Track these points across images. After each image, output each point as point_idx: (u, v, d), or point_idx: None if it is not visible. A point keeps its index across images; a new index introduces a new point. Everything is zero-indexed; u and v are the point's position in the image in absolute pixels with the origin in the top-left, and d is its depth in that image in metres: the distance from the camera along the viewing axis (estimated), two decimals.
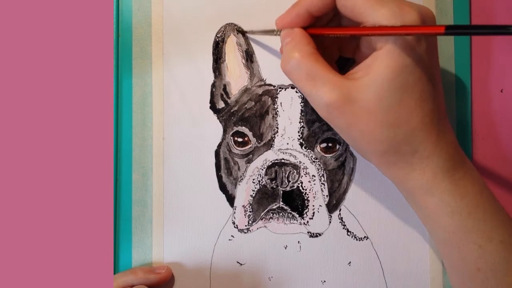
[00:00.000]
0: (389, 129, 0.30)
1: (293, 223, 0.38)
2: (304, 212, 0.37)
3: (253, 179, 0.38)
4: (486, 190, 0.32)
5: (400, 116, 0.30)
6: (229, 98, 0.39)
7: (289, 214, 0.37)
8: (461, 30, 0.29)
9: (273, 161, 0.37)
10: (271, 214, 0.38)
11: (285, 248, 0.38)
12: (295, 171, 0.37)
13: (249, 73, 0.39)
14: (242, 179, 0.38)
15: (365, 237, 0.38)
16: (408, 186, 0.32)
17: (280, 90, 0.38)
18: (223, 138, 0.38)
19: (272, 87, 0.38)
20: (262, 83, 0.38)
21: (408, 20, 0.29)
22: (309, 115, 0.38)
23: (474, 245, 0.31)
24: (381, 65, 0.29)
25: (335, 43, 0.35)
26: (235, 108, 0.38)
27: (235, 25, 0.38)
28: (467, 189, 0.31)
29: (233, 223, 0.38)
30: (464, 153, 0.33)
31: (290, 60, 0.31)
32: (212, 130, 0.38)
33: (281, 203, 0.37)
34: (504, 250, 0.31)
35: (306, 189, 0.37)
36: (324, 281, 0.38)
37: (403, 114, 0.30)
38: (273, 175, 0.37)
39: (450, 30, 0.27)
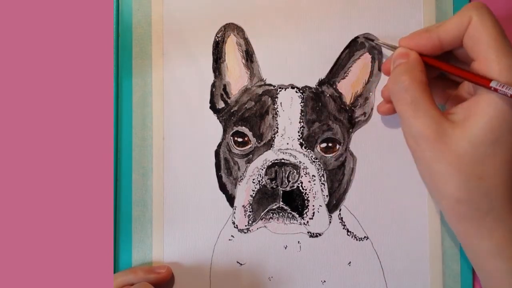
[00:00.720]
0: (471, 179, 0.29)
1: (293, 223, 0.38)
2: (304, 212, 0.37)
3: (253, 179, 0.38)
4: None
5: (486, 170, 0.29)
6: (229, 98, 0.39)
7: (289, 214, 0.37)
8: None
9: (273, 161, 0.37)
10: (271, 214, 0.38)
11: (285, 248, 0.38)
12: (295, 171, 0.37)
13: (249, 73, 0.39)
14: (242, 179, 0.38)
15: (365, 237, 0.38)
16: (474, 245, 0.31)
17: (280, 90, 0.38)
18: (223, 138, 0.38)
19: (272, 87, 0.38)
20: (262, 83, 0.38)
21: None
22: (309, 115, 0.38)
23: None
24: (482, 113, 0.29)
25: (437, 82, 0.35)
26: (235, 108, 0.38)
27: (235, 25, 0.38)
28: None
29: (233, 223, 0.38)
30: None
31: (399, 82, 0.31)
32: (212, 130, 0.38)
33: (281, 203, 0.37)
34: None
35: (306, 189, 0.37)
36: (324, 281, 0.38)
37: (489, 169, 0.29)
38: (273, 175, 0.37)
39: None
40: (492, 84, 0.28)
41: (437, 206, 0.32)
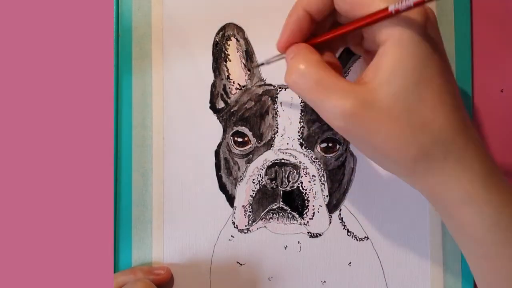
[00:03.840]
0: (415, 131, 0.26)
1: (293, 223, 0.38)
2: (304, 212, 0.37)
3: (253, 179, 0.38)
4: None
5: (424, 114, 0.26)
6: (229, 98, 0.39)
7: (289, 214, 0.37)
8: None
9: (273, 161, 0.37)
10: (271, 214, 0.38)
11: (285, 248, 0.38)
12: (295, 171, 0.37)
13: (249, 73, 0.39)
14: (242, 179, 0.38)
15: (365, 237, 0.38)
16: (443, 196, 0.28)
17: (280, 90, 0.38)
18: (223, 138, 0.38)
19: (272, 87, 0.38)
20: (262, 83, 0.38)
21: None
22: (309, 115, 0.38)
23: (508, 259, 0.28)
24: (391, 60, 0.26)
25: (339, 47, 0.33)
26: (235, 108, 0.38)
27: (235, 25, 0.38)
28: (504, 198, 0.28)
29: (233, 223, 0.38)
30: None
31: (295, 71, 0.28)
32: (212, 130, 0.38)
33: (281, 203, 0.37)
34: None
35: (306, 189, 0.37)
36: (324, 281, 0.38)
37: (427, 113, 0.26)
38: (273, 175, 0.37)
39: None
40: (391, 8, 0.25)
41: (399, 176, 0.30)
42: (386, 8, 0.26)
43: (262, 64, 0.35)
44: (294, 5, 0.30)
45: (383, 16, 0.26)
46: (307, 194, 0.37)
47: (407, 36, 0.26)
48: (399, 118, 0.26)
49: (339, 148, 0.38)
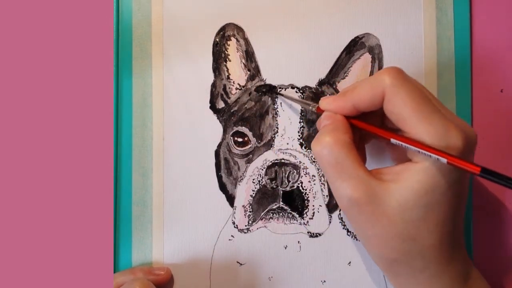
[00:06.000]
0: (405, 241, 0.29)
1: (293, 223, 0.38)
2: (304, 212, 0.37)
3: (253, 179, 0.38)
4: None
5: (420, 231, 0.29)
6: (229, 98, 0.39)
7: (289, 214, 0.37)
8: (495, 178, 0.26)
9: (273, 161, 0.37)
10: (271, 214, 0.38)
11: (285, 248, 0.38)
12: (295, 171, 0.37)
13: (249, 73, 0.39)
14: (242, 179, 0.38)
15: None
16: None
17: (280, 90, 0.38)
18: (223, 138, 0.38)
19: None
20: (262, 83, 0.38)
21: (452, 144, 0.27)
22: (309, 115, 0.38)
23: None
24: (413, 178, 0.28)
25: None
26: (235, 108, 0.38)
27: (235, 25, 0.38)
28: None
29: (233, 223, 0.38)
30: (471, 262, 0.32)
31: (322, 143, 0.30)
32: (212, 130, 0.38)
33: (281, 203, 0.37)
34: None
35: (306, 189, 0.37)
36: (324, 281, 0.38)
37: (423, 231, 0.29)
38: (273, 175, 0.37)
39: (485, 174, 0.26)
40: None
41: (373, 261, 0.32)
42: (431, 149, 0.27)
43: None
44: (344, 96, 0.31)
45: (421, 150, 0.28)
46: (307, 194, 0.37)
47: (434, 169, 0.28)
48: (396, 224, 0.29)
49: None
